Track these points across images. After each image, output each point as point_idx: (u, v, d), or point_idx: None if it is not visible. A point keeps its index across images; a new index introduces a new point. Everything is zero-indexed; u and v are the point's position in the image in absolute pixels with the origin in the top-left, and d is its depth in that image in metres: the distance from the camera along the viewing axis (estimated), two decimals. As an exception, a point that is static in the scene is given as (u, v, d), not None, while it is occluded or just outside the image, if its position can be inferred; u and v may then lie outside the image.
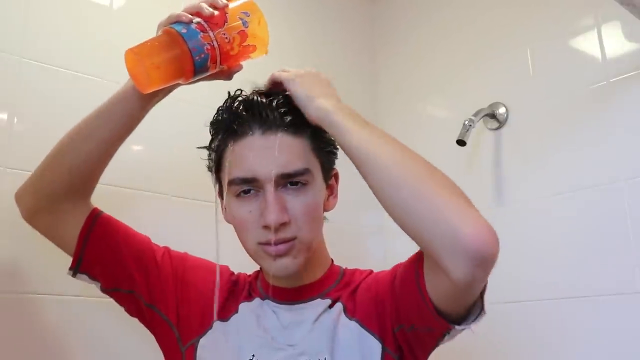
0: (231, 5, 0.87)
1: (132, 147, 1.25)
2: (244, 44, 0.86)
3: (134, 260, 0.93)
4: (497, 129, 1.54)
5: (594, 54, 1.38)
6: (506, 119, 1.52)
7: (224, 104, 0.90)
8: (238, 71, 0.90)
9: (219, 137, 0.89)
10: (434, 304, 0.77)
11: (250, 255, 0.89)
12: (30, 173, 0.96)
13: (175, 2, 1.43)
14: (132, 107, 0.89)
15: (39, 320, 1.10)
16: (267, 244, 0.84)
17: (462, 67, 1.66)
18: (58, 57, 1.21)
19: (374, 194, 0.78)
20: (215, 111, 0.91)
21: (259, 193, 0.85)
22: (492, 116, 1.53)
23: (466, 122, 1.44)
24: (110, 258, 0.93)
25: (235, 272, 1.01)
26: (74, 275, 0.94)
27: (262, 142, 0.84)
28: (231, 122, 0.87)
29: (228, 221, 0.91)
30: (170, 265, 0.95)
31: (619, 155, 1.29)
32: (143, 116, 0.92)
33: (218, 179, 0.91)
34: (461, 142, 1.43)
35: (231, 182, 0.86)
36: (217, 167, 0.91)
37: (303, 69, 0.90)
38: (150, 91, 0.83)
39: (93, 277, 0.94)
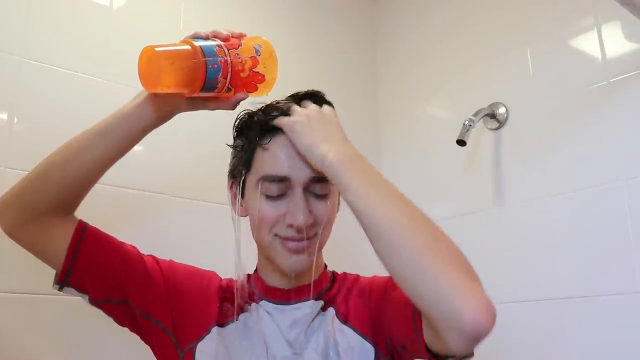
0: (247, 37, 0.92)
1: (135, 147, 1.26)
2: (255, 69, 0.89)
3: (125, 269, 0.92)
4: (497, 129, 1.54)
5: (594, 54, 1.38)
6: (506, 119, 1.52)
7: (249, 113, 0.92)
8: (243, 99, 0.90)
9: (251, 135, 0.90)
10: (426, 345, 0.78)
11: (262, 247, 0.91)
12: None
13: (175, 3, 1.44)
14: (132, 128, 0.90)
15: (40, 320, 1.11)
16: (286, 239, 0.87)
17: (462, 67, 1.66)
18: (58, 57, 1.22)
19: (377, 256, 0.76)
20: (238, 117, 0.93)
21: (286, 193, 0.87)
22: (492, 116, 1.53)
23: (466, 122, 1.44)
24: (102, 269, 0.91)
25: (223, 277, 1.01)
26: (60, 289, 0.92)
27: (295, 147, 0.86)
28: (264, 124, 0.88)
29: (242, 215, 0.93)
30: (160, 273, 0.95)
31: (618, 156, 1.29)
32: (139, 139, 0.92)
33: (243, 175, 0.92)
34: (461, 142, 1.43)
35: (263, 179, 0.87)
36: (246, 163, 0.91)
37: (307, 110, 0.87)
38: (155, 91, 0.85)
39: (81, 289, 0.92)
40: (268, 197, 0.88)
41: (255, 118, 0.91)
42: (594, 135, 1.34)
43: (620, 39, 1.33)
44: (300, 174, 0.86)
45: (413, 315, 0.79)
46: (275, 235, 0.88)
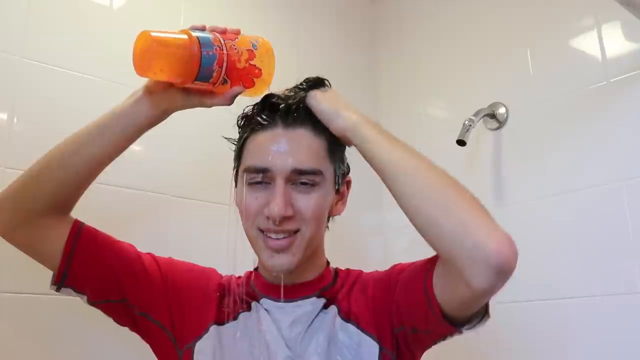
0: (244, 34, 0.92)
1: (134, 147, 1.26)
2: (251, 62, 0.89)
3: (123, 269, 0.92)
4: (497, 129, 1.54)
5: (594, 54, 1.37)
6: (506, 119, 1.52)
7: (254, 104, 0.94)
8: (239, 94, 0.89)
9: (244, 127, 0.93)
10: (442, 310, 0.79)
11: (251, 243, 0.91)
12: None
13: (175, 3, 1.44)
14: (128, 126, 0.90)
15: (39, 320, 1.10)
16: (268, 232, 0.86)
17: (462, 68, 1.66)
18: (58, 57, 1.22)
19: (399, 203, 0.80)
20: (243, 109, 0.94)
21: (270, 185, 0.87)
22: (492, 116, 1.53)
23: (466, 122, 1.44)
24: (99, 269, 0.91)
25: (224, 275, 1.00)
26: (57, 289, 0.91)
27: (282, 135, 0.87)
28: (257, 114, 0.91)
29: (237, 204, 0.93)
30: (158, 271, 0.95)
31: (618, 156, 1.29)
32: (136, 138, 0.92)
33: (236, 167, 0.94)
34: (461, 142, 1.43)
35: (246, 170, 0.88)
36: (237, 154, 0.93)
37: (320, 90, 0.92)
38: (147, 76, 0.84)
39: (79, 290, 0.92)
40: (251, 187, 0.88)
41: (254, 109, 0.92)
42: (594, 135, 1.34)
43: (620, 39, 1.33)
44: (282, 165, 0.85)
45: (424, 280, 0.81)
46: (259, 229, 0.87)
